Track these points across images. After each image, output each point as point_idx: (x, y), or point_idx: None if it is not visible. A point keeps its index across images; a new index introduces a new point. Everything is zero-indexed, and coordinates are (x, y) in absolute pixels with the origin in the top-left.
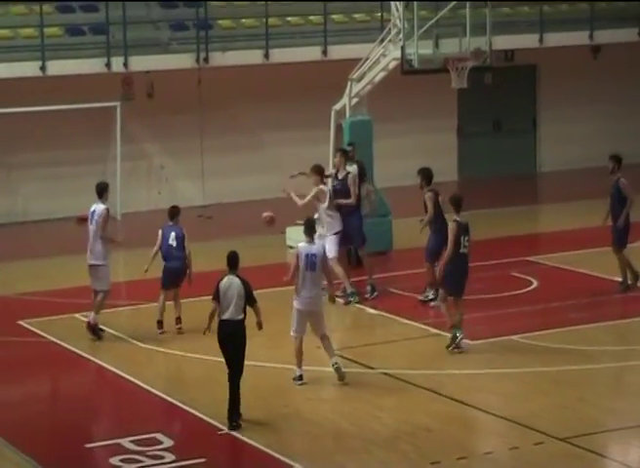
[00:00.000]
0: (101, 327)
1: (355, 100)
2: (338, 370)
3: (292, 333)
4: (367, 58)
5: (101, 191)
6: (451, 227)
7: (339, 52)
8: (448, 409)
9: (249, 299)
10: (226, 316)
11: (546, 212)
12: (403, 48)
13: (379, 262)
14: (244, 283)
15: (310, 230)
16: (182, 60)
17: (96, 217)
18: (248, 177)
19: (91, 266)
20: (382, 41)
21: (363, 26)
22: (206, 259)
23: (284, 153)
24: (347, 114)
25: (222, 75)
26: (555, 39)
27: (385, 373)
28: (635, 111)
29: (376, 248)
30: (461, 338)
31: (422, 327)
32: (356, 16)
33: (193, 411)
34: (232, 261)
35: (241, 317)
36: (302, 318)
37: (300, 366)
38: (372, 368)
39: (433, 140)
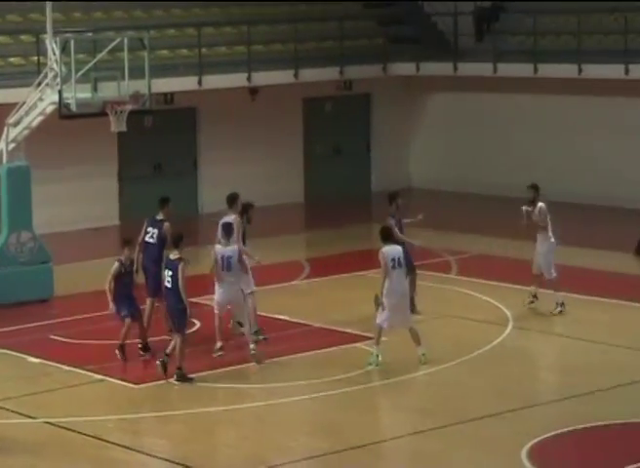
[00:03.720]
0: None
1: (12, 146)
2: None
3: None
4: (24, 103)
5: None
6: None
7: None
8: (114, 455)
9: None
10: None
11: (207, 253)
12: (60, 92)
13: (40, 310)
14: None
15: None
16: None
17: None
18: None
19: None
20: (40, 85)
21: (19, 70)
22: None
23: None
24: (4, 160)
25: None
26: (214, 81)
27: (48, 423)
28: (294, 150)
29: (36, 295)
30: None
31: (86, 373)
32: (12, 59)
33: None
34: None
35: None
36: None
37: None
38: (33, 417)
39: (94, 185)
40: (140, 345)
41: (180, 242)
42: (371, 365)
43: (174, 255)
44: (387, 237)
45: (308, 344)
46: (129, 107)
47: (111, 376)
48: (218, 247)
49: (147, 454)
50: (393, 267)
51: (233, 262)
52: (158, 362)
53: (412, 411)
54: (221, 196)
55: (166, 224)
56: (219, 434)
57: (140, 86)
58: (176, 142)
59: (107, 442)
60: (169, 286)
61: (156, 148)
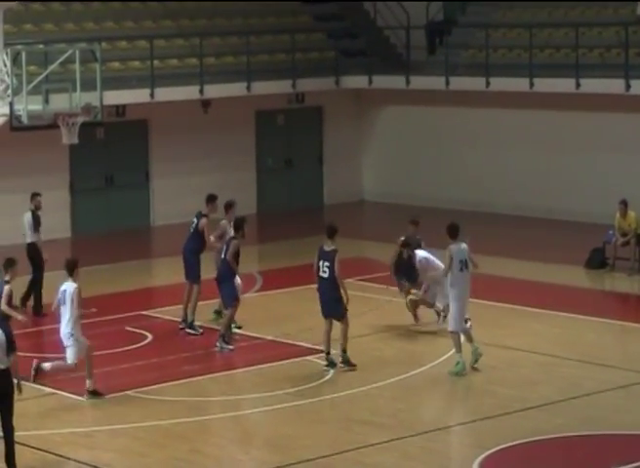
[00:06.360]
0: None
1: None
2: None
3: None
4: None
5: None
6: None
7: None
8: None
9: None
10: None
11: (160, 265)
12: (11, 104)
13: None
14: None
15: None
16: None
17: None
18: None
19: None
20: None
21: None
22: None
23: None
24: None
25: None
26: (166, 94)
27: None
28: (246, 162)
29: None
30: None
31: (36, 387)
32: None
33: None
34: None
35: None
36: None
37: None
38: None
39: (45, 198)
40: None
41: (334, 234)
42: (457, 374)
43: (328, 247)
44: (455, 234)
45: (260, 357)
46: (80, 119)
47: (62, 390)
48: None
49: (95, 467)
50: (460, 270)
51: None
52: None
53: (362, 424)
54: (174, 208)
55: (203, 220)
56: (169, 447)
57: (92, 98)
58: (128, 155)
59: (58, 455)
60: (325, 276)
61: (108, 161)
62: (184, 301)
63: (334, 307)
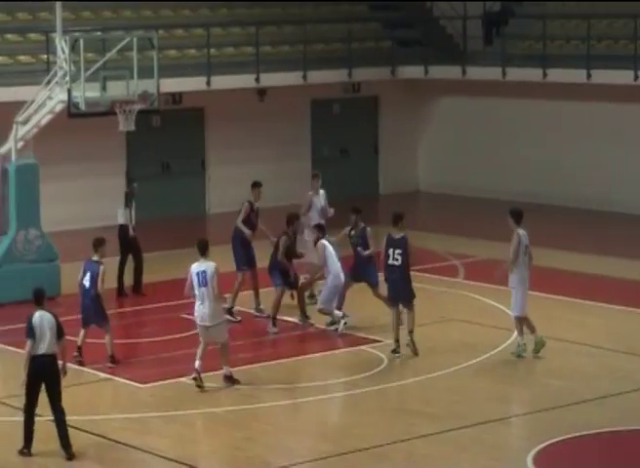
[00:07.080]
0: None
1: (21, 144)
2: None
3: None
4: (33, 101)
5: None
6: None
7: (1, 94)
8: (118, 454)
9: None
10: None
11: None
12: (69, 90)
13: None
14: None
15: (202, 250)
16: None
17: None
18: None
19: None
20: (49, 83)
21: (28, 68)
22: None
23: None
24: (13, 158)
25: None
26: (222, 82)
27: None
28: (302, 151)
29: None
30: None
31: (91, 371)
32: (21, 57)
33: None
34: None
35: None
36: (201, 330)
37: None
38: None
39: (102, 184)
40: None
41: (399, 220)
42: (520, 355)
43: (396, 234)
44: (520, 219)
45: (313, 346)
46: (137, 107)
47: (117, 375)
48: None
49: (152, 454)
50: (525, 253)
51: None
52: (409, 344)
53: (417, 415)
54: (229, 196)
55: (245, 204)
56: (223, 435)
57: (149, 85)
58: (184, 142)
59: (112, 440)
60: (397, 263)
61: (164, 148)
62: (252, 289)
63: (406, 293)
